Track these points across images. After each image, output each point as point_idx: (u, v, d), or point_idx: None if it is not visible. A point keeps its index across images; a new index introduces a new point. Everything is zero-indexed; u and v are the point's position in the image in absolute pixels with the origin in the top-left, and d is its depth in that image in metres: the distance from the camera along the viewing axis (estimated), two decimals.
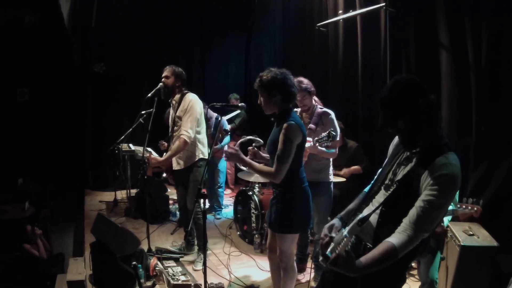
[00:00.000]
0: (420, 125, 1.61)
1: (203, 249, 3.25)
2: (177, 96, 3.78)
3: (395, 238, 1.55)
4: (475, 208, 2.56)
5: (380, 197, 1.79)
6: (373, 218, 1.75)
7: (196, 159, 3.76)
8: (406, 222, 1.56)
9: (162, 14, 7.06)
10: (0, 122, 6.23)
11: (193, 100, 3.69)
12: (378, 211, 1.72)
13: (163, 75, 3.76)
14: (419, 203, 1.56)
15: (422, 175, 1.59)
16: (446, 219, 2.65)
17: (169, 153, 3.69)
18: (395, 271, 1.72)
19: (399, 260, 1.61)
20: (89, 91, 6.75)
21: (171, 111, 3.91)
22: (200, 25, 7.44)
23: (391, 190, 1.72)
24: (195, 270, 3.74)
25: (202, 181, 2.85)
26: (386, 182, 1.80)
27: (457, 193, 2.67)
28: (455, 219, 2.69)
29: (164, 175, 4.06)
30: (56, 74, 6.51)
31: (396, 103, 1.60)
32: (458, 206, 2.59)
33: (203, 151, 3.80)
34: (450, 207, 2.64)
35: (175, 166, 3.86)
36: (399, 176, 1.72)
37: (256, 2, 6.92)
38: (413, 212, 1.56)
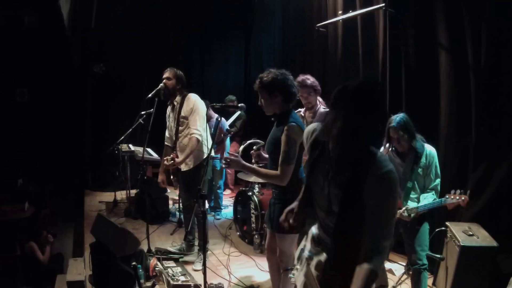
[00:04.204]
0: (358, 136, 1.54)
1: (202, 249, 3.25)
2: (178, 98, 3.81)
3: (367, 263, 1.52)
4: (463, 198, 2.60)
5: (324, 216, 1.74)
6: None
7: (204, 157, 3.78)
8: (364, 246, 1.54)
9: (162, 14, 7.06)
10: (0, 122, 6.23)
11: (197, 100, 3.76)
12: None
13: (165, 76, 3.77)
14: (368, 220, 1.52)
15: (368, 186, 1.53)
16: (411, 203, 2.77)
17: (186, 152, 3.67)
18: None
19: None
20: (88, 92, 6.75)
21: (171, 112, 3.92)
22: (200, 25, 7.45)
23: (335, 219, 1.65)
24: (194, 271, 3.74)
25: (203, 181, 2.85)
26: (322, 203, 1.71)
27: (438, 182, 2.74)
28: (443, 209, 2.74)
29: (171, 177, 4.04)
30: (55, 74, 6.50)
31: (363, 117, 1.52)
32: (447, 196, 2.65)
33: (209, 147, 3.83)
34: (438, 200, 2.69)
35: (184, 167, 3.84)
36: (336, 203, 1.65)
37: (256, 3, 6.93)
38: (370, 229, 1.53)
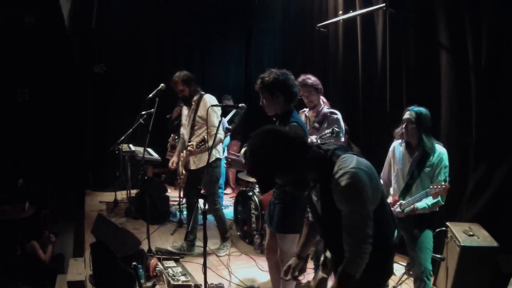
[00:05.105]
0: (297, 169, 1.65)
1: (203, 247, 3.25)
2: (196, 97, 3.95)
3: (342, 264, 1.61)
4: (443, 186, 2.63)
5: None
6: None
7: (213, 159, 3.87)
8: (345, 248, 1.61)
9: (162, 14, 7.06)
10: (0, 122, 6.23)
11: (214, 103, 3.91)
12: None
13: (178, 89, 3.90)
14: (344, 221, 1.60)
15: (333, 195, 1.61)
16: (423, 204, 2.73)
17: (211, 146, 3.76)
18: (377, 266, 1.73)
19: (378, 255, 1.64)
20: (89, 92, 6.75)
21: (186, 111, 4.06)
22: (200, 25, 7.44)
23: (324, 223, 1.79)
24: (218, 256, 3.96)
25: (204, 180, 2.85)
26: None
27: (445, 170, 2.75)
28: (442, 208, 2.77)
29: (181, 177, 4.08)
30: (56, 74, 6.51)
31: (264, 165, 1.62)
32: (430, 186, 2.66)
33: (219, 150, 3.98)
34: (423, 191, 2.70)
35: (192, 166, 3.96)
36: (319, 209, 1.77)
37: (256, 3, 6.93)
38: (344, 234, 1.61)
